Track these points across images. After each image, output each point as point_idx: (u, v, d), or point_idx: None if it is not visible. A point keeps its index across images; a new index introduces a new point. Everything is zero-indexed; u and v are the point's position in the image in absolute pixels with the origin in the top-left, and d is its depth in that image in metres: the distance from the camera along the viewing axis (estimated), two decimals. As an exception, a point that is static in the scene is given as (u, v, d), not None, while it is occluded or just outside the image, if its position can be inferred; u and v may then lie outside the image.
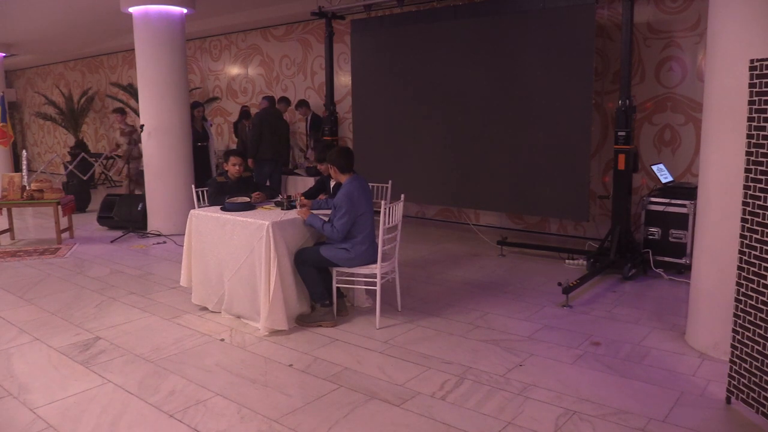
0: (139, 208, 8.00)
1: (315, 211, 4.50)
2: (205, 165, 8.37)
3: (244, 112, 9.61)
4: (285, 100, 9.30)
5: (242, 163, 5.33)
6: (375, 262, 4.32)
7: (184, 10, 7.71)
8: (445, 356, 3.82)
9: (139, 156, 8.91)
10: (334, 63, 8.37)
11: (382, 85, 7.38)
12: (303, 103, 9.17)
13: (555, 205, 6.20)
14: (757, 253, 2.90)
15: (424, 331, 4.28)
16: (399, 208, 4.50)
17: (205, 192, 5.22)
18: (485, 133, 6.53)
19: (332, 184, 5.10)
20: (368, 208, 4.35)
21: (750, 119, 2.93)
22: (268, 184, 8.08)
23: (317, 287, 4.36)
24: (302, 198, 4.72)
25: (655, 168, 5.91)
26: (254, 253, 4.27)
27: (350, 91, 8.17)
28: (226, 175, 5.32)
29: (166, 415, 3.11)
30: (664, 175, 5.91)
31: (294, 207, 4.65)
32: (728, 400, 3.17)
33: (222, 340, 4.16)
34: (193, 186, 5.37)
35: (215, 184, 5.17)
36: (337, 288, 4.50)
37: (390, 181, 5.66)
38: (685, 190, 5.62)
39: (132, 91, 12.09)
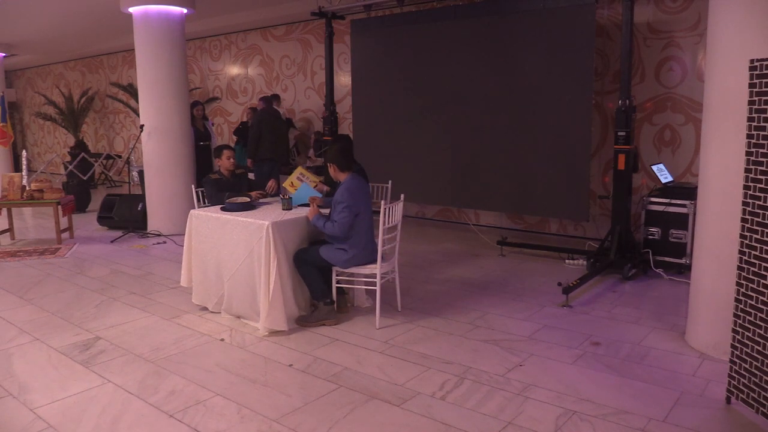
0: (139, 208, 8.00)
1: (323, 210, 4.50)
2: (207, 164, 8.37)
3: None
4: (276, 98, 9.32)
5: (234, 155, 5.37)
6: (374, 261, 4.32)
7: (184, 10, 7.71)
8: (445, 356, 3.82)
9: None
10: (334, 63, 8.36)
11: (382, 85, 7.38)
12: (270, 98, 8.90)
13: (555, 205, 6.20)
14: (757, 253, 2.89)
15: (424, 331, 4.28)
16: (399, 208, 4.49)
17: (202, 192, 5.21)
18: (485, 133, 6.53)
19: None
20: (366, 208, 4.34)
21: (750, 119, 2.93)
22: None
23: (318, 286, 4.36)
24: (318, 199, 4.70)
25: (655, 168, 5.91)
26: (254, 253, 4.27)
27: (350, 91, 8.17)
28: (219, 172, 5.31)
29: (166, 415, 3.11)
30: (664, 175, 5.91)
31: (291, 209, 4.64)
32: (728, 400, 3.17)
33: (222, 340, 4.16)
34: (193, 186, 5.37)
35: (211, 183, 5.16)
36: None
37: (390, 181, 5.66)
38: (685, 190, 5.61)
39: (132, 91, 12.10)
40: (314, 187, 4.99)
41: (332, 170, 4.39)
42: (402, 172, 6.97)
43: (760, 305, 2.88)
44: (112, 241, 7.36)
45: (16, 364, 3.77)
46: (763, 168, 2.84)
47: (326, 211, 4.48)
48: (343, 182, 4.32)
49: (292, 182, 5.04)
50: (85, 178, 10.66)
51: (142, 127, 7.71)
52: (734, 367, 3.08)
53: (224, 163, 5.27)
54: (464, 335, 4.18)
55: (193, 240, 4.72)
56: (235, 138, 10.31)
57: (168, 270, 5.99)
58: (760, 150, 2.85)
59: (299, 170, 5.19)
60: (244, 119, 10.58)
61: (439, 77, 6.81)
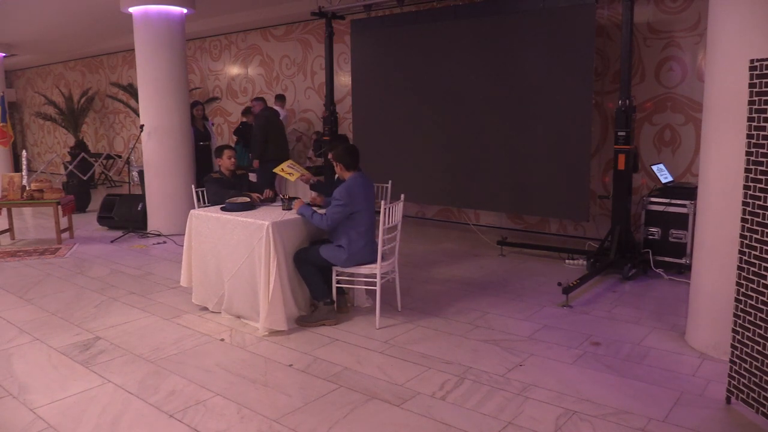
0: (139, 208, 8.00)
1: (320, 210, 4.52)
2: (207, 164, 8.38)
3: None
4: (281, 98, 9.31)
5: (236, 155, 5.42)
6: (373, 261, 4.32)
7: (184, 10, 7.71)
8: (445, 356, 3.82)
9: None
10: (334, 63, 8.36)
11: (382, 85, 7.38)
12: (262, 99, 8.87)
13: (555, 205, 6.19)
14: (757, 253, 2.89)
15: (424, 331, 4.28)
16: (399, 208, 4.50)
17: (202, 192, 5.21)
18: (485, 133, 6.53)
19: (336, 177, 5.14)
20: (367, 207, 4.35)
21: (750, 119, 2.93)
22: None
23: (318, 285, 4.36)
24: (318, 197, 4.85)
25: (655, 168, 5.91)
26: (254, 253, 4.27)
27: (350, 91, 8.17)
28: (220, 172, 5.32)
29: (166, 415, 3.11)
30: (664, 175, 5.91)
31: (291, 209, 4.65)
32: (728, 400, 3.17)
33: (222, 340, 4.16)
34: (193, 186, 5.37)
35: (214, 181, 5.17)
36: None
37: (390, 181, 5.66)
38: (685, 190, 5.61)
39: (132, 91, 12.10)
40: (300, 177, 5.17)
41: (339, 169, 4.43)
42: (402, 172, 6.97)
43: (760, 305, 2.88)
44: (112, 241, 7.36)
45: (16, 364, 3.77)
46: (763, 168, 2.84)
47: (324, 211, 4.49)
48: (346, 180, 4.34)
49: (282, 168, 5.23)
50: (85, 178, 10.64)
51: (142, 127, 7.71)
52: (734, 367, 3.08)
53: (225, 163, 5.28)
54: (464, 335, 4.18)
55: (193, 240, 4.72)
56: (235, 138, 10.32)
57: (168, 270, 5.99)
58: (760, 150, 2.85)
59: (289, 161, 5.44)
60: (244, 119, 10.58)
61: (439, 77, 6.81)
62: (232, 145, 10.32)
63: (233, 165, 5.32)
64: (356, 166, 4.41)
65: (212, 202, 5.07)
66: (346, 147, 4.47)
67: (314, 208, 4.46)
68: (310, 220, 4.35)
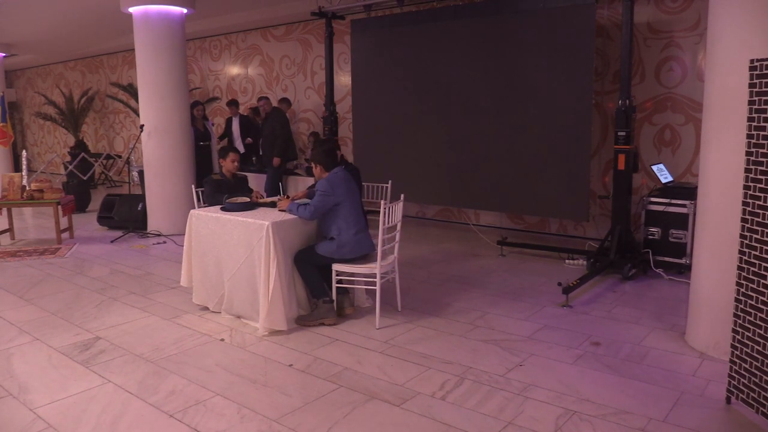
0: (139, 208, 8.00)
1: None
2: (207, 164, 8.39)
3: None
4: (286, 101, 9.33)
5: (239, 159, 5.43)
6: (367, 252, 4.37)
7: (184, 10, 7.71)
8: (445, 356, 3.82)
9: None
10: (334, 63, 8.37)
11: (382, 85, 7.38)
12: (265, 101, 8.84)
13: (555, 205, 6.20)
14: (757, 253, 2.90)
15: (424, 331, 4.28)
16: (399, 208, 4.50)
17: (202, 192, 5.23)
18: (485, 133, 6.54)
19: None
20: (350, 198, 4.37)
21: (750, 119, 2.93)
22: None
23: (317, 284, 4.37)
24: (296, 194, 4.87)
25: (655, 168, 5.91)
26: (254, 253, 4.28)
27: (350, 91, 8.17)
28: (221, 173, 5.33)
29: (166, 415, 3.11)
30: (664, 175, 5.91)
31: None
32: (728, 400, 3.17)
33: (222, 340, 4.16)
34: (193, 186, 5.38)
35: (212, 182, 5.19)
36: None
37: (390, 181, 5.66)
38: (685, 190, 5.62)
39: (132, 91, 12.10)
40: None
41: (319, 170, 4.47)
42: (402, 172, 6.97)
43: (760, 305, 2.88)
44: (112, 241, 7.36)
45: (16, 364, 3.77)
46: (763, 168, 2.84)
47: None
48: (328, 174, 4.41)
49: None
50: (85, 178, 10.66)
51: (142, 127, 7.71)
52: (734, 367, 3.08)
53: (227, 165, 5.30)
54: (464, 335, 4.18)
55: (193, 240, 4.72)
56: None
57: (168, 270, 5.99)
58: (760, 150, 2.85)
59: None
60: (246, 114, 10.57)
61: (439, 77, 6.81)
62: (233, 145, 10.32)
63: (235, 168, 5.34)
64: (334, 167, 4.45)
65: (206, 204, 5.10)
66: (324, 149, 4.51)
67: (297, 202, 4.47)
68: (295, 214, 4.37)
